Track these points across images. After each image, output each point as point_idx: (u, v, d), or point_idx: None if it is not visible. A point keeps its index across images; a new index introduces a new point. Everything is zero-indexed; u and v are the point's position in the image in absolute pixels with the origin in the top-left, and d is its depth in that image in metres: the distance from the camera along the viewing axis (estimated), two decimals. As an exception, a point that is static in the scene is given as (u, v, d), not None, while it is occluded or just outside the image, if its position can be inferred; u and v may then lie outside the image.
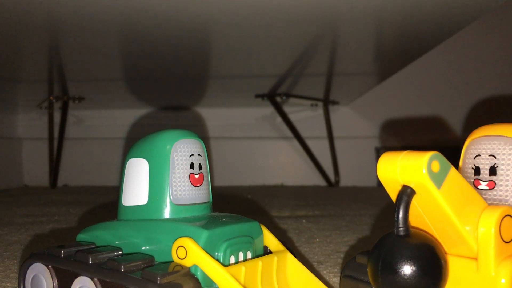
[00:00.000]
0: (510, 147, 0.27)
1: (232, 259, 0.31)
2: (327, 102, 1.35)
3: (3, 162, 1.36)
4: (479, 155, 0.28)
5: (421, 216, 0.27)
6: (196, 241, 0.30)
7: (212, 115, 1.42)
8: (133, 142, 0.35)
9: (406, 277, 0.25)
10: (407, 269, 0.25)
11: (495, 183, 0.27)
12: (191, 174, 0.33)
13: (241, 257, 0.32)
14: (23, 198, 1.05)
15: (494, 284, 0.25)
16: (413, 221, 0.28)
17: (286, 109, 1.33)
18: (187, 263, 0.29)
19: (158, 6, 0.59)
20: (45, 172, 1.32)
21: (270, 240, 0.35)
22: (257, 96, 1.23)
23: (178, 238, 0.30)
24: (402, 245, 0.26)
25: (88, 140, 1.44)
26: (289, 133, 1.34)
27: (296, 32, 0.71)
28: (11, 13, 0.60)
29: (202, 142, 0.35)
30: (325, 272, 0.45)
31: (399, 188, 0.27)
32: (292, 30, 0.69)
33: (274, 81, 1.09)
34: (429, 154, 0.25)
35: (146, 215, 0.33)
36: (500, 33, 1.29)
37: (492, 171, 0.27)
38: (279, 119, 1.36)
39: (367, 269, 0.27)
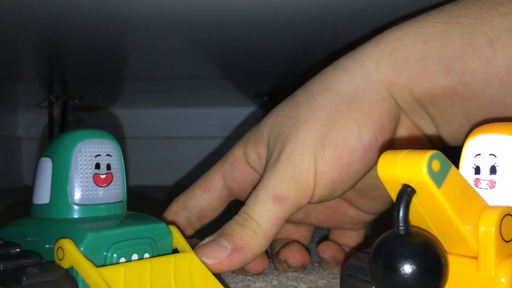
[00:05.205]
0: (511, 146, 0.27)
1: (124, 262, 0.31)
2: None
3: (3, 162, 1.36)
4: (479, 154, 0.28)
5: (421, 215, 0.27)
6: (79, 242, 0.29)
7: (212, 114, 1.42)
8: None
9: (406, 276, 0.25)
10: (407, 268, 0.25)
11: (495, 182, 0.27)
12: (96, 174, 0.33)
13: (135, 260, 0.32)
14: (23, 198, 1.05)
15: (494, 283, 0.25)
16: (413, 220, 0.28)
17: (287, 108, 1.32)
18: (65, 264, 0.29)
19: (159, 5, 0.59)
20: (45, 172, 1.32)
21: (178, 242, 0.34)
22: (258, 95, 1.23)
23: (60, 238, 0.30)
24: (402, 244, 0.26)
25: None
26: (289, 133, 1.34)
27: (297, 31, 0.71)
28: (10, 12, 0.60)
29: (115, 142, 0.35)
30: (324, 272, 0.45)
31: (399, 187, 0.26)
32: (293, 29, 0.70)
33: (275, 81, 1.09)
34: (430, 153, 0.25)
35: (48, 214, 0.33)
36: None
37: (493, 170, 0.27)
38: (279, 119, 1.35)
39: (367, 269, 0.27)
